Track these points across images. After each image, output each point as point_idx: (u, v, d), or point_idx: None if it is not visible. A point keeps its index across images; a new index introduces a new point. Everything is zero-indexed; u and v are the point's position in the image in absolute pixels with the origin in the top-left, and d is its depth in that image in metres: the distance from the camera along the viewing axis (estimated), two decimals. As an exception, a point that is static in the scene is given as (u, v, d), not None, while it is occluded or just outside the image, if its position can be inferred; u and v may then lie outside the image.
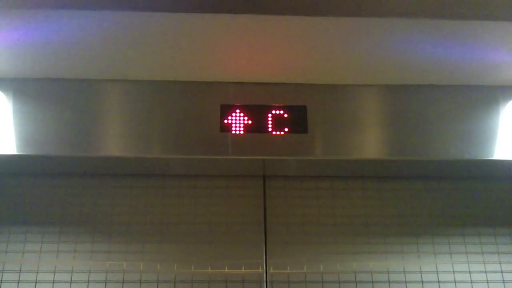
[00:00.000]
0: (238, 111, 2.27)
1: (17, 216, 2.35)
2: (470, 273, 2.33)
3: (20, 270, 2.24)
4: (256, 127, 2.25)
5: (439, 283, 2.30)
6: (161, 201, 2.40)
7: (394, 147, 2.27)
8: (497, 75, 2.28)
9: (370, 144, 2.28)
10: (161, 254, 2.29)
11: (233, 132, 2.24)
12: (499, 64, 2.19)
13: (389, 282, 2.29)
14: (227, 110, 2.26)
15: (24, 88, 2.25)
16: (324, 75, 2.28)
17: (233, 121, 2.25)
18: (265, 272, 2.28)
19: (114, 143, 2.23)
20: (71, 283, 2.23)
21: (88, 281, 2.23)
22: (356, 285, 2.28)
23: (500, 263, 2.36)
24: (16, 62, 2.15)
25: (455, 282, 2.31)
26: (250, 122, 2.26)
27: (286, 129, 2.25)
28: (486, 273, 2.33)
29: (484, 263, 2.35)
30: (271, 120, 2.26)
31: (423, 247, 2.37)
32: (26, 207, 2.37)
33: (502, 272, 2.34)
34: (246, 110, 2.27)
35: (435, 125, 2.28)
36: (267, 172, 2.44)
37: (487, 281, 2.31)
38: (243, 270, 2.28)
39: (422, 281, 2.30)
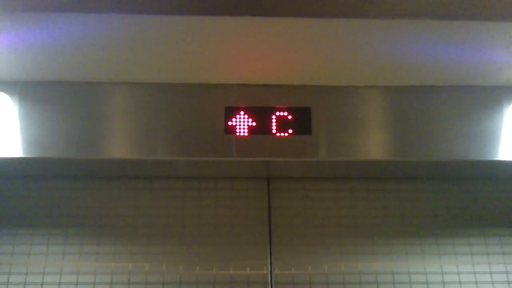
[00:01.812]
0: (242, 113, 2.27)
1: (23, 218, 2.36)
2: (475, 273, 2.33)
3: (27, 272, 2.25)
4: (260, 129, 2.26)
5: (444, 284, 2.30)
6: (166, 203, 2.41)
7: (397, 148, 2.27)
8: (500, 75, 2.28)
9: (374, 145, 2.28)
10: (166, 256, 2.30)
11: (238, 134, 2.24)
12: (502, 64, 2.18)
13: (393, 283, 2.29)
14: (231, 112, 2.27)
15: (29, 91, 2.27)
16: (328, 77, 2.29)
17: (237, 123, 2.25)
18: (270, 273, 2.29)
19: (119, 145, 2.24)
20: (77, 284, 2.24)
21: (94, 283, 2.24)
22: (360, 286, 2.28)
23: (505, 263, 2.35)
24: (22, 65, 2.16)
25: (460, 283, 2.30)
26: (254, 124, 2.26)
27: (290, 131, 2.25)
28: (491, 274, 2.33)
29: (489, 264, 2.35)
30: (275, 122, 2.27)
31: (428, 248, 2.37)
32: (32, 209, 2.38)
33: (507, 273, 2.34)
34: (250, 112, 2.28)
35: (438, 126, 2.28)
36: (271, 174, 2.45)
37: (492, 282, 2.31)
38: (248, 271, 2.28)
39: (427, 282, 2.30)
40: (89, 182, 2.43)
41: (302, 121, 2.27)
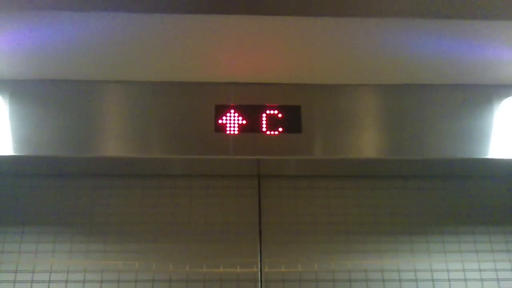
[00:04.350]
0: (232, 111, 2.27)
1: (14, 216, 2.36)
2: (464, 271, 2.34)
3: (16, 270, 2.26)
4: (251, 127, 2.26)
5: (433, 281, 2.31)
6: (157, 201, 2.42)
7: (388, 146, 2.27)
8: (491, 73, 2.28)
9: (364, 143, 2.28)
10: (156, 254, 2.31)
11: (228, 132, 2.24)
12: (493, 62, 2.19)
13: (383, 280, 2.30)
14: (221, 110, 2.27)
15: (21, 89, 2.26)
16: (318, 75, 2.29)
17: (228, 121, 2.25)
18: (259, 271, 2.29)
19: (109, 143, 2.24)
20: (67, 282, 2.24)
21: (84, 281, 2.24)
22: (350, 284, 2.29)
23: (494, 261, 2.36)
24: (13, 63, 2.16)
25: (449, 280, 2.31)
26: (244, 122, 2.26)
27: (280, 129, 2.25)
28: (480, 271, 2.34)
29: (479, 262, 2.36)
30: (266, 120, 2.27)
31: (417, 245, 2.38)
32: (22, 207, 2.38)
33: (496, 270, 2.35)
34: (241, 110, 2.28)
35: (429, 124, 2.28)
36: (261, 172, 2.45)
37: (481, 280, 2.32)
38: (238, 269, 2.29)
39: (416, 279, 2.31)
40: (79, 181, 2.43)
41: (292, 119, 2.27)
